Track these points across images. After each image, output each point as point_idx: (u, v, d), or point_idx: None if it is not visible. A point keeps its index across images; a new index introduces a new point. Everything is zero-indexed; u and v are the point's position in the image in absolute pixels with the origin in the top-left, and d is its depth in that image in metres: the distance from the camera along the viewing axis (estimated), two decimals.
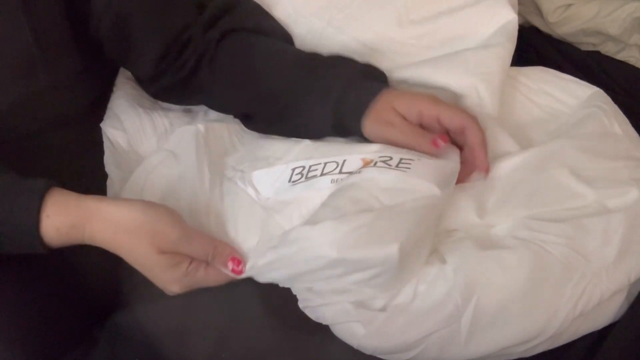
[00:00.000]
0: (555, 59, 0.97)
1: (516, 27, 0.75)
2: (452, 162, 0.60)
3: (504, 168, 0.63)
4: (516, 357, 0.58)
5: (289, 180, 0.61)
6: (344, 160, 0.61)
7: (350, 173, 0.59)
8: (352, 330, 0.57)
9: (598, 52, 0.96)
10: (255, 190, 0.63)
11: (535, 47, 1.00)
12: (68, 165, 0.68)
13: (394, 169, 0.57)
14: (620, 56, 0.95)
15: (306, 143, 0.65)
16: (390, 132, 0.62)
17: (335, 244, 0.52)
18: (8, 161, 0.58)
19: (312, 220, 0.55)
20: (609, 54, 0.96)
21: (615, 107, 0.71)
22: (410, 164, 0.58)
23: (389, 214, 0.54)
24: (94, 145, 0.71)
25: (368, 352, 0.58)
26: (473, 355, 0.56)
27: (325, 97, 0.65)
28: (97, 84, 0.73)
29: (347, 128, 0.65)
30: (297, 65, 0.68)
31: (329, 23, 0.78)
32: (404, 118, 0.63)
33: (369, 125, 0.64)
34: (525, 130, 0.71)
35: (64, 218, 0.54)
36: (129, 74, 0.78)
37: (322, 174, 0.60)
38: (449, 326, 0.55)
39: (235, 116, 0.74)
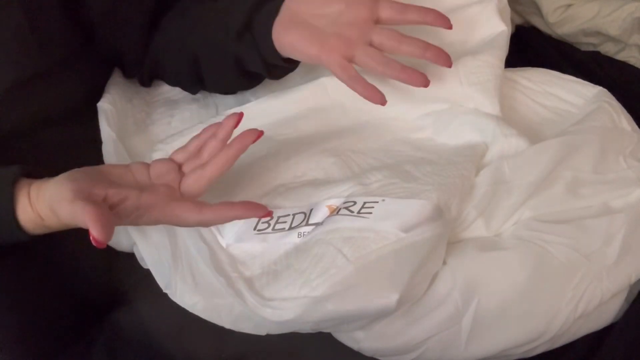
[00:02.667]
0: (555, 59, 0.97)
1: (507, 38, 0.75)
2: (420, 201, 0.57)
3: (511, 173, 0.62)
4: (516, 357, 0.58)
5: (254, 228, 0.59)
6: (311, 210, 0.59)
7: (316, 224, 0.58)
8: (352, 332, 0.57)
9: (598, 53, 0.96)
10: (218, 231, 0.60)
11: (535, 47, 1.00)
12: (64, 164, 0.67)
13: (355, 215, 0.56)
14: (620, 56, 0.95)
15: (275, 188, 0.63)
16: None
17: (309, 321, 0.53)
18: (5, 159, 0.57)
19: (275, 287, 0.55)
20: (608, 54, 0.96)
21: (621, 105, 0.70)
22: (373, 207, 0.56)
23: (356, 271, 0.53)
24: (91, 144, 0.71)
25: (368, 355, 0.58)
26: (473, 357, 0.56)
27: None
28: (90, 77, 0.73)
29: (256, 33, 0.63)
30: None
31: None
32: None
33: (277, 27, 0.61)
34: (535, 131, 0.70)
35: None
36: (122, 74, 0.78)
37: (290, 227, 0.59)
38: (450, 328, 0.55)
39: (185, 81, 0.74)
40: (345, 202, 0.58)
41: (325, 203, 0.59)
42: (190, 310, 0.58)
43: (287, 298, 0.53)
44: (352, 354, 0.58)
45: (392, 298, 0.52)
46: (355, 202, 0.58)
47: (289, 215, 0.59)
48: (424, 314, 0.55)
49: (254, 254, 0.58)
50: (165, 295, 0.60)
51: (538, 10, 0.98)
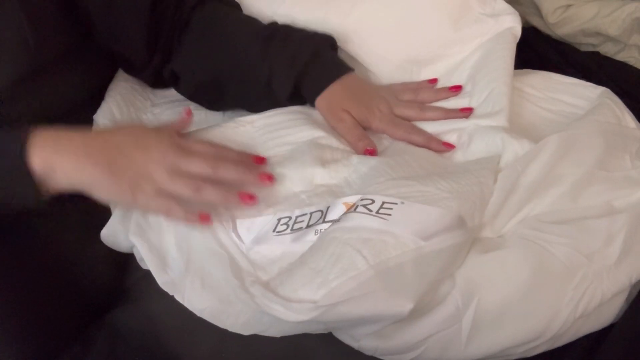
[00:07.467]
0: (555, 59, 0.97)
1: (514, 36, 0.75)
2: (439, 208, 0.57)
3: (516, 177, 0.62)
4: (516, 357, 0.58)
5: (274, 230, 0.60)
6: (328, 208, 0.60)
7: (332, 221, 0.58)
8: (352, 331, 0.57)
9: (598, 53, 0.96)
10: (239, 237, 0.61)
11: (534, 48, 1.00)
12: None
13: (374, 215, 0.56)
14: (619, 57, 0.95)
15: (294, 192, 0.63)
16: (337, 126, 0.70)
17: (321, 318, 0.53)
18: None
19: (290, 285, 0.54)
20: (608, 54, 0.96)
21: (623, 104, 0.70)
22: (392, 209, 0.56)
23: (376, 277, 0.53)
24: None
25: (368, 354, 0.58)
26: (473, 356, 0.56)
27: (291, 67, 0.70)
28: (91, 73, 0.74)
29: (303, 98, 0.72)
30: (264, 34, 0.72)
31: (326, 16, 0.78)
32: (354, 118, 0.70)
33: (320, 107, 0.70)
34: (543, 135, 0.70)
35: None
36: (125, 76, 0.78)
37: (307, 226, 0.59)
38: (450, 327, 0.55)
39: (201, 97, 0.76)
40: (362, 199, 0.58)
41: (341, 200, 0.59)
42: (199, 314, 0.58)
43: (304, 300, 0.53)
44: (352, 352, 0.58)
45: (406, 307, 0.52)
46: (373, 201, 0.57)
47: (306, 214, 0.60)
48: (424, 313, 0.55)
49: (273, 259, 0.59)
50: (166, 294, 0.60)
51: (538, 11, 0.98)
